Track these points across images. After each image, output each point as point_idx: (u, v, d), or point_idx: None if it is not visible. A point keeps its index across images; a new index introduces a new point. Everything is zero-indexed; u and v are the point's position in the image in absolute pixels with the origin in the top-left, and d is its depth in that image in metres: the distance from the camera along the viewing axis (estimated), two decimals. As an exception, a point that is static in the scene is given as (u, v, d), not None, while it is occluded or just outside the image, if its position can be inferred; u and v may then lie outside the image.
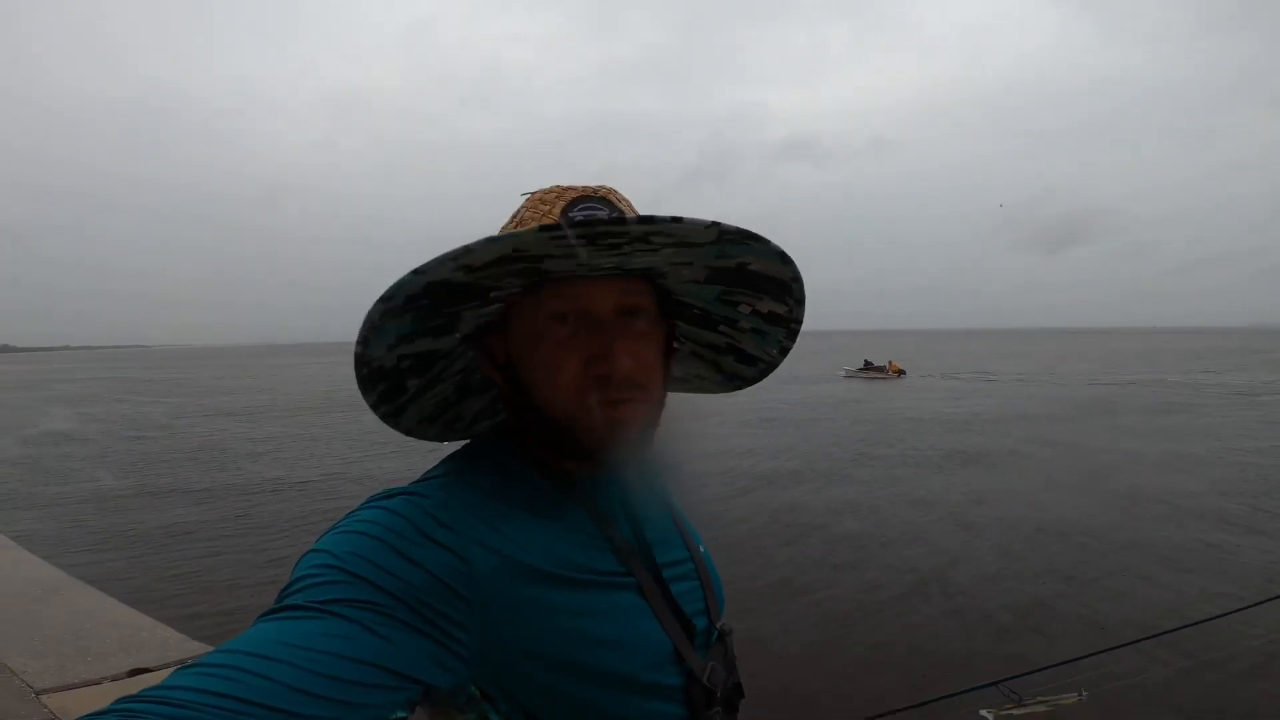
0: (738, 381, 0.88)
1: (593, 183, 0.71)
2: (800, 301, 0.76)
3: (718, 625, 0.76)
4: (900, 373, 37.57)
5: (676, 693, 0.67)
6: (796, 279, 0.72)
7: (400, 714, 0.53)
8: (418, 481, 0.67)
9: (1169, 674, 4.66)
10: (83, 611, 4.84)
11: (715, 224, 0.59)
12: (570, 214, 0.66)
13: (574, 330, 0.65)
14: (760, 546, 8.71)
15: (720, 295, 0.75)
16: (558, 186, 0.69)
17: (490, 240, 0.55)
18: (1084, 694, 1.58)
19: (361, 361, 0.65)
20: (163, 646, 4.26)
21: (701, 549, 0.81)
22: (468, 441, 0.76)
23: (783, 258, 0.69)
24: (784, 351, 0.82)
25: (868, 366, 38.37)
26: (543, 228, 0.54)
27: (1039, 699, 1.51)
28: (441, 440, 0.81)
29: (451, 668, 0.56)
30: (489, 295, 0.65)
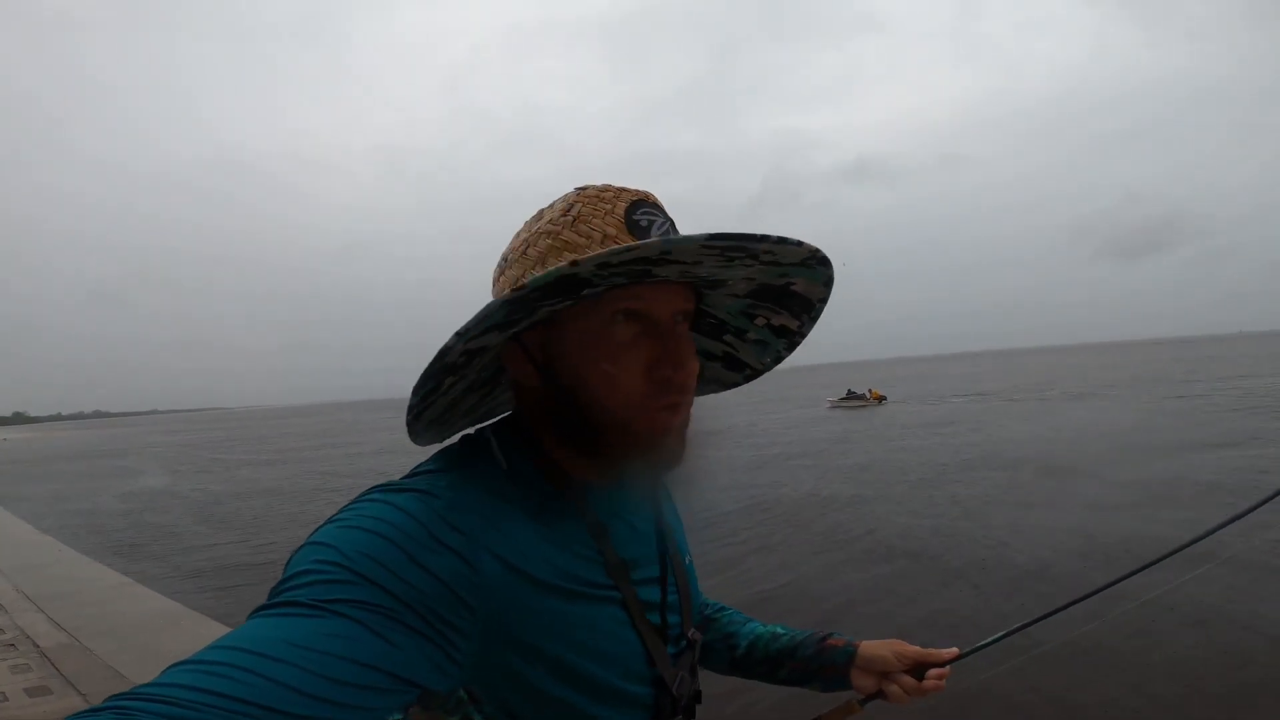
0: (715, 386, 0.88)
1: (640, 187, 0.71)
2: (815, 319, 0.78)
3: (688, 634, 0.77)
4: (881, 399, 39.46)
5: (646, 699, 0.70)
6: (824, 300, 0.75)
7: (396, 716, 0.53)
8: (419, 476, 0.65)
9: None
10: (204, 637, 5.13)
11: (815, 250, 0.65)
12: (633, 216, 0.66)
13: (638, 332, 0.65)
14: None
15: (746, 308, 0.77)
16: (611, 186, 0.68)
17: (664, 241, 0.57)
18: None
19: (444, 352, 0.62)
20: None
21: (687, 560, 0.82)
22: (467, 434, 0.74)
23: (828, 283, 0.72)
24: (778, 361, 0.83)
25: (850, 395, 40.27)
26: (710, 237, 0.56)
27: None
28: (428, 444, 0.76)
29: (449, 672, 0.56)
30: (581, 291, 0.62)
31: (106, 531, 13.89)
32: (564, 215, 0.66)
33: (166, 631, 5.35)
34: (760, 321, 0.78)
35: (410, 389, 0.65)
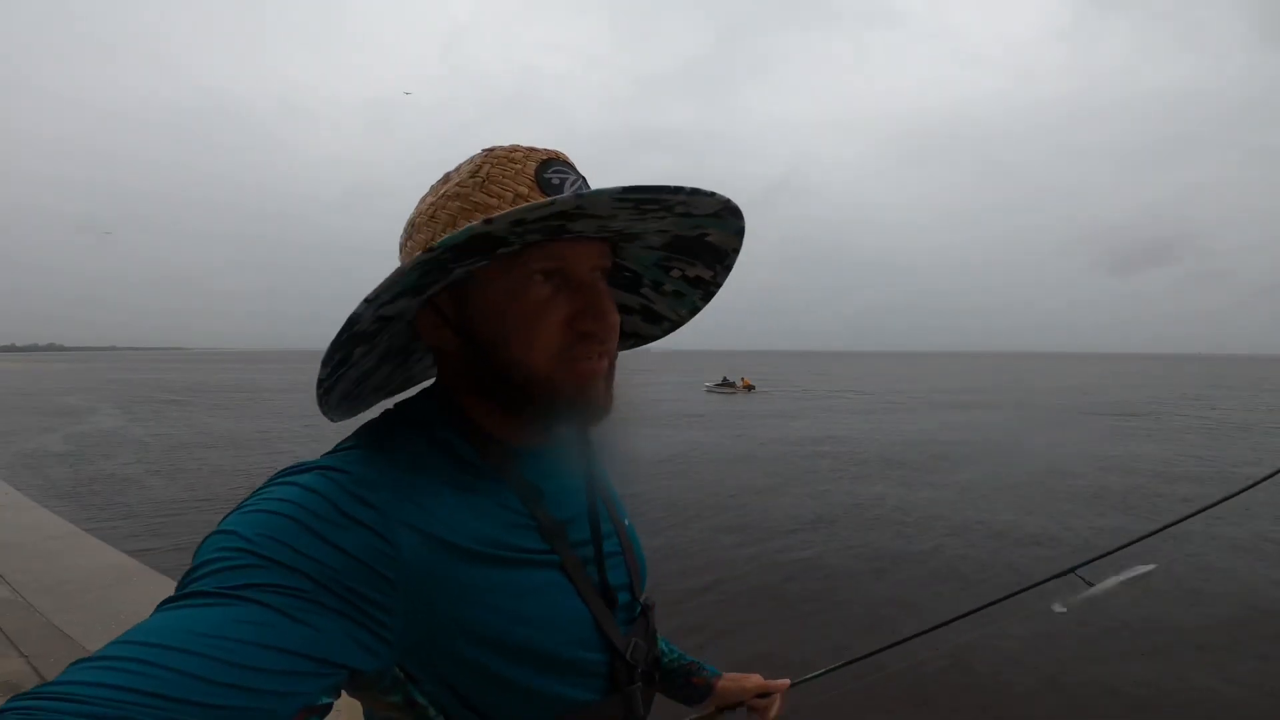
0: (635, 340, 0.87)
1: (550, 146, 0.69)
2: (729, 269, 0.79)
3: (640, 599, 0.76)
4: (750, 388, 42.23)
5: (600, 667, 0.67)
6: (737, 250, 0.76)
7: (325, 700, 0.51)
8: (332, 453, 0.63)
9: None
10: (154, 597, 4.88)
11: (726, 201, 0.66)
12: (545, 175, 0.65)
13: (556, 288, 0.65)
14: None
15: (661, 260, 0.77)
16: (520, 146, 0.67)
17: (577, 196, 0.56)
18: (1153, 565, 1.55)
19: (354, 320, 0.59)
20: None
21: (627, 522, 0.80)
22: (387, 409, 0.71)
23: (739, 233, 0.73)
24: (694, 312, 0.84)
25: (724, 383, 42.68)
26: (625, 190, 0.56)
27: (1113, 577, 1.44)
28: (339, 419, 0.73)
29: (376, 651, 0.54)
30: (496, 250, 0.61)
31: (55, 474, 13.41)
32: (472, 177, 0.65)
33: (117, 589, 5.13)
34: (675, 273, 0.79)
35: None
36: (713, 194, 0.63)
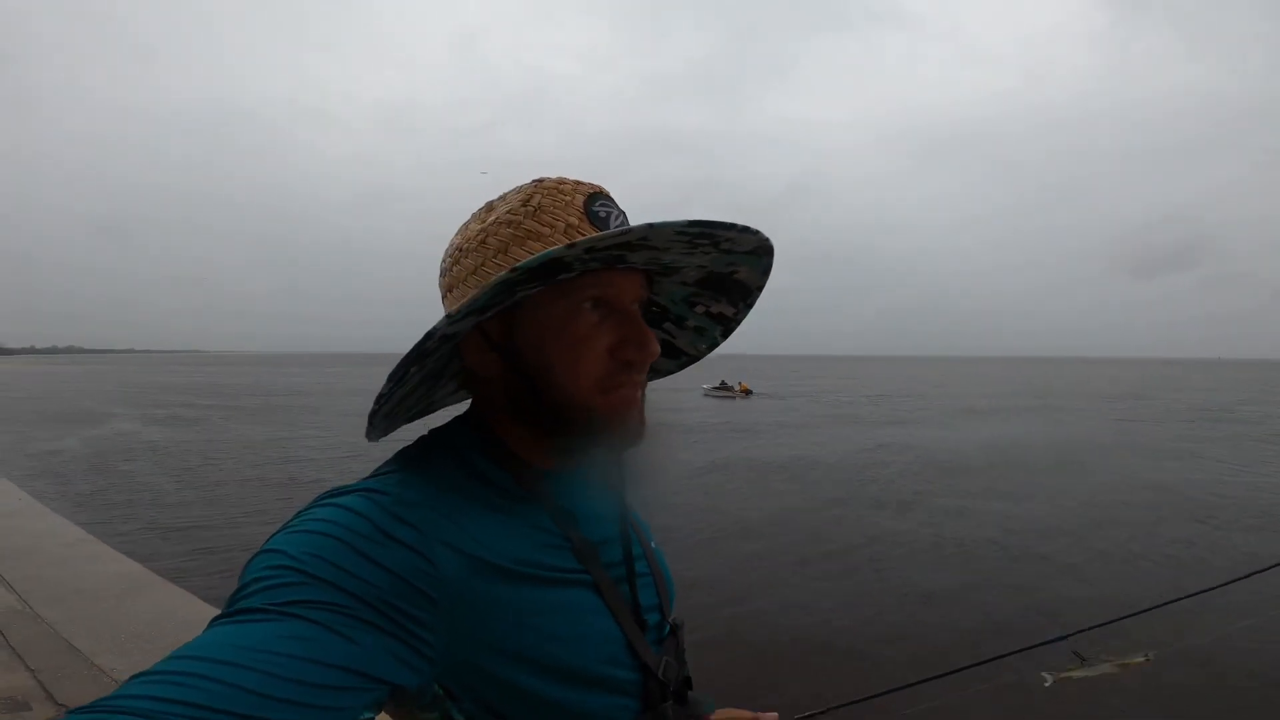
0: (652, 375, 0.87)
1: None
2: (750, 307, 0.81)
3: (670, 619, 0.77)
4: (748, 392, 42.55)
5: (632, 686, 0.68)
6: (760, 289, 0.79)
7: (368, 715, 0.52)
8: (372, 476, 0.65)
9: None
10: (165, 609, 4.88)
11: (765, 239, 0.69)
12: (593, 207, 0.67)
13: (602, 317, 0.66)
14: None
15: (689, 296, 0.79)
16: (567, 179, 0.70)
17: (648, 226, 0.58)
18: (1151, 655, 1.51)
19: (430, 336, 0.61)
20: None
21: (653, 544, 0.82)
22: (423, 435, 0.74)
23: (765, 272, 0.76)
24: (713, 347, 0.86)
25: (722, 386, 43.16)
26: (689, 223, 0.59)
27: (1106, 659, 1.42)
28: (377, 439, 0.74)
29: (417, 667, 0.56)
30: (557, 276, 0.63)
31: (70, 480, 13.46)
32: (524, 205, 0.67)
33: (127, 599, 5.04)
34: (700, 309, 0.81)
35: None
36: (756, 231, 0.67)
